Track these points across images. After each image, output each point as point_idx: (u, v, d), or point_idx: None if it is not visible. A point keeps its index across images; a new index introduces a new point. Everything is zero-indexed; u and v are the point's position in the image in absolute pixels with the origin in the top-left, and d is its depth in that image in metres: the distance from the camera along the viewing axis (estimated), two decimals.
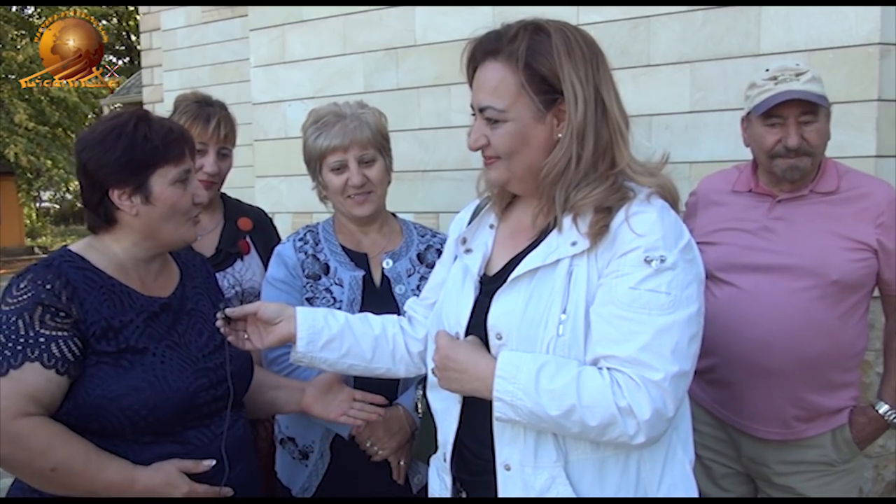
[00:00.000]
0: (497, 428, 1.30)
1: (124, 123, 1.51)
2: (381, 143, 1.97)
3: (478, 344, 1.33)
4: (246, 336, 1.56)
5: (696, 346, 1.22)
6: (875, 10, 2.53)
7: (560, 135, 1.28)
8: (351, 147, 1.91)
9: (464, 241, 1.46)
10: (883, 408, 2.02)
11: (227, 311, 1.53)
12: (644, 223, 1.21)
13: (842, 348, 1.96)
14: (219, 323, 1.54)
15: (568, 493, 1.25)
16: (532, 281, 1.28)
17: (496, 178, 1.36)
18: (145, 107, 7.69)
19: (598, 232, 1.23)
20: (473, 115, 1.36)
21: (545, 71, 1.26)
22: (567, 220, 1.27)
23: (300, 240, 2.01)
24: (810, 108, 1.90)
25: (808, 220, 1.95)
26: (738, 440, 2.07)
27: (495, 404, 1.24)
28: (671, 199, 1.29)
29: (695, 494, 1.34)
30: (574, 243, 1.25)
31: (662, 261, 1.19)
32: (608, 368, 1.19)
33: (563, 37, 1.27)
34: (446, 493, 1.45)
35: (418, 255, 2.03)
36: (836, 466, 2.01)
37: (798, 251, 1.92)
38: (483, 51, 1.32)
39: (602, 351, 1.21)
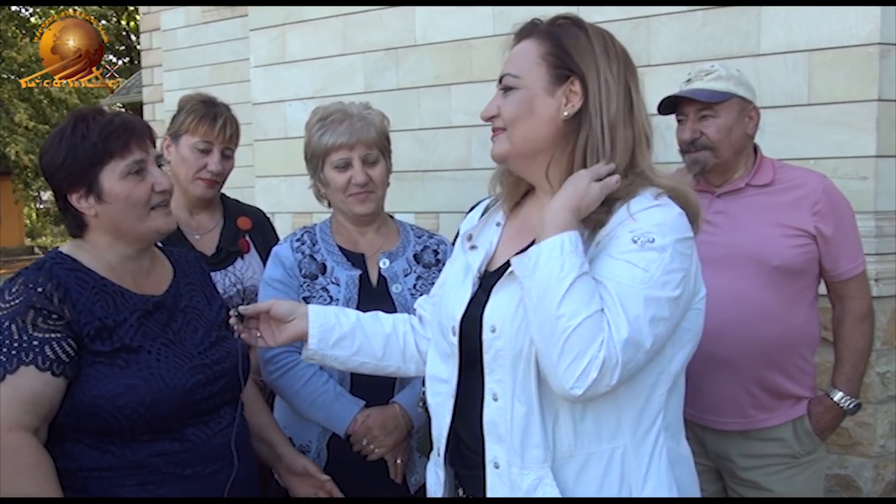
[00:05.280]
0: (487, 426, 1.30)
1: (65, 126, 1.52)
2: (383, 145, 1.99)
3: (573, 212, 1.24)
4: (258, 334, 1.57)
5: (659, 329, 1.18)
6: (875, 10, 2.53)
7: (566, 113, 1.29)
8: (357, 146, 1.92)
9: (469, 237, 1.46)
10: (837, 395, 2.06)
11: (241, 308, 1.54)
12: (644, 214, 1.22)
13: (792, 334, 2.02)
14: (232, 321, 1.55)
15: (554, 493, 1.24)
16: None
17: (497, 151, 1.36)
18: (145, 107, 7.69)
19: (597, 225, 1.23)
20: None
21: (569, 47, 1.29)
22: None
23: (297, 240, 2.02)
24: (707, 105, 2.01)
25: (747, 211, 2.02)
26: (702, 435, 2.11)
27: (532, 249, 1.20)
28: (690, 210, 1.28)
29: (677, 495, 1.32)
30: None
31: (650, 241, 1.18)
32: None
33: (601, 35, 1.32)
34: (440, 488, 1.46)
35: (415, 256, 2.04)
36: (800, 458, 2.05)
37: (739, 241, 1.99)
38: (521, 34, 1.37)
39: None
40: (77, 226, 1.56)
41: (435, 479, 1.48)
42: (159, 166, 1.58)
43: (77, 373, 1.44)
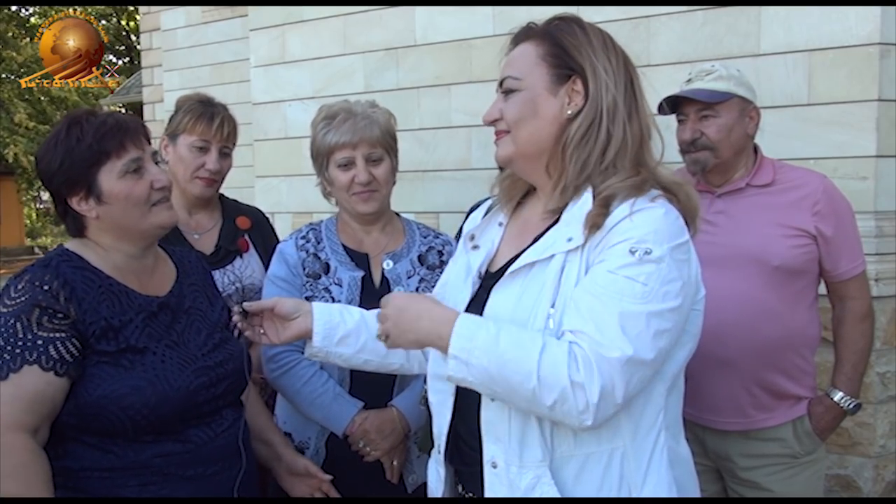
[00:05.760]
0: (484, 426, 1.31)
1: (59, 130, 1.52)
2: (388, 144, 1.98)
3: (435, 300, 1.35)
4: (262, 331, 1.57)
5: (663, 342, 1.19)
6: (875, 10, 2.53)
7: (569, 112, 1.29)
8: (360, 144, 1.92)
9: (472, 237, 1.47)
10: (837, 395, 2.06)
11: (245, 305, 1.53)
12: (640, 219, 1.21)
13: (792, 334, 2.01)
14: (236, 318, 1.54)
15: (553, 492, 1.24)
16: (528, 275, 1.29)
17: (502, 153, 1.37)
18: (145, 107, 7.70)
19: (593, 226, 1.23)
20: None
21: (567, 45, 1.30)
22: (567, 215, 1.28)
23: (302, 237, 2.01)
24: (707, 105, 2.01)
25: (747, 211, 2.02)
26: (702, 436, 2.11)
27: (449, 362, 1.22)
28: (690, 212, 1.28)
29: (676, 495, 1.32)
30: (570, 239, 1.25)
31: (647, 253, 1.18)
32: (570, 342, 1.18)
33: (599, 32, 1.32)
34: (440, 485, 1.46)
35: (419, 257, 2.03)
36: (800, 458, 2.05)
37: (739, 241, 1.99)
38: (518, 38, 1.37)
39: (566, 326, 1.20)
40: (77, 228, 1.55)
41: (436, 476, 1.49)
42: (156, 163, 1.58)
43: (81, 372, 1.43)
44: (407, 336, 1.31)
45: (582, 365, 1.15)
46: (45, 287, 1.43)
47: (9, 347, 1.39)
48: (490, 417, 1.30)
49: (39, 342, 1.40)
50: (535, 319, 1.25)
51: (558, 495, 1.24)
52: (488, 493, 1.31)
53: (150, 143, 1.59)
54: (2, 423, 1.36)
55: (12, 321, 1.41)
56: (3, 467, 1.35)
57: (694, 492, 1.37)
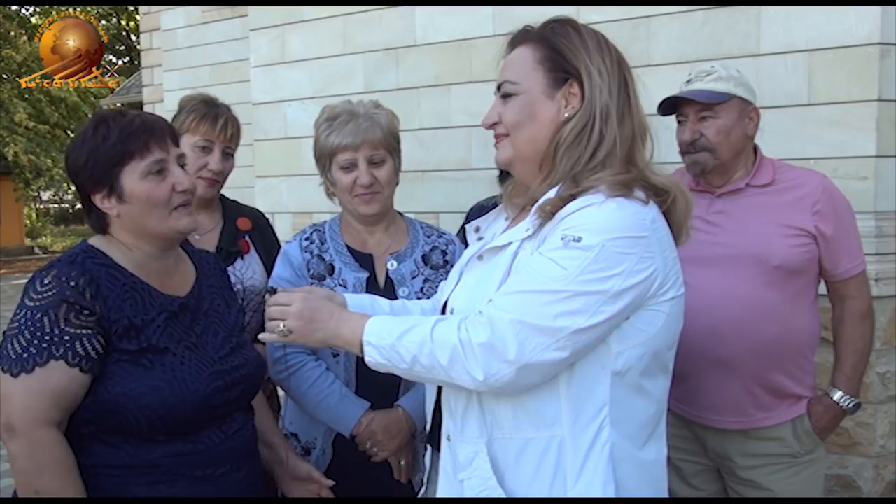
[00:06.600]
0: (443, 402, 1.39)
1: (87, 128, 1.53)
2: (391, 145, 1.98)
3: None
4: None
5: (573, 321, 1.19)
6: (875, 10, 2.54)
7: (566, 115, 1.32)
8: (362, 147, 1.92)
9: (477, 229, 1.51)
10: (837, 395, 2.06)
11: (280, 292, 1.52)
12: (587, 211, 1.22)
13: (792, 334, 2.02)
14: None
15: (486, 467, 1.30)
16: (490, 261, 1.34)
17: (501, 157, 1.40)
18: (145, 107, 7.69)
19: (543, 214, 1.26)
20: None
21: (563, 49, 1.32)
22: (534, 207, 1.30)
23: (306, 239, 2.02)
24: (707, 106, 2.01)
25: (747, 211, 2.03)
26: (702, 435, 2.12)
27: (365, 349, 1.31)
28: (678, 213, 1.30)
29: (614, 494, 1.28)
30: (527, 228, 1.29)
31: (575, 240, 1.20)
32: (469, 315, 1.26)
33: (594, 34, 1.34)
34: (428, 464, 1.59)
35: (423, 257, 2.03)
36: (800, 458, 2.05)
37: (739, 241, 1.99)
38: (515, 41, 1.40)
39: None
40: (100, 226, 1.57)
41: (428, 457, 1.58)
42: (182, 166, 1.58)
43: (101, 370, 1.45)
44: (315, 335, 1.38)
45: (469, 325, 1.23)
46: (72, 283, 1.44)
47: (35, 342, 1.41)
48: (447, 393, 1.38)
49: (66, 338, 1.41)
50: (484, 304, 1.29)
51: (490, 472, 1.29)
52: (441, 466, 1.40)
53: (177, 146, 1.60)
54: (31, 418, 1.38)
55: (39, 315, 1.42)
56: (39, 463, 1.37)
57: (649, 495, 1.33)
